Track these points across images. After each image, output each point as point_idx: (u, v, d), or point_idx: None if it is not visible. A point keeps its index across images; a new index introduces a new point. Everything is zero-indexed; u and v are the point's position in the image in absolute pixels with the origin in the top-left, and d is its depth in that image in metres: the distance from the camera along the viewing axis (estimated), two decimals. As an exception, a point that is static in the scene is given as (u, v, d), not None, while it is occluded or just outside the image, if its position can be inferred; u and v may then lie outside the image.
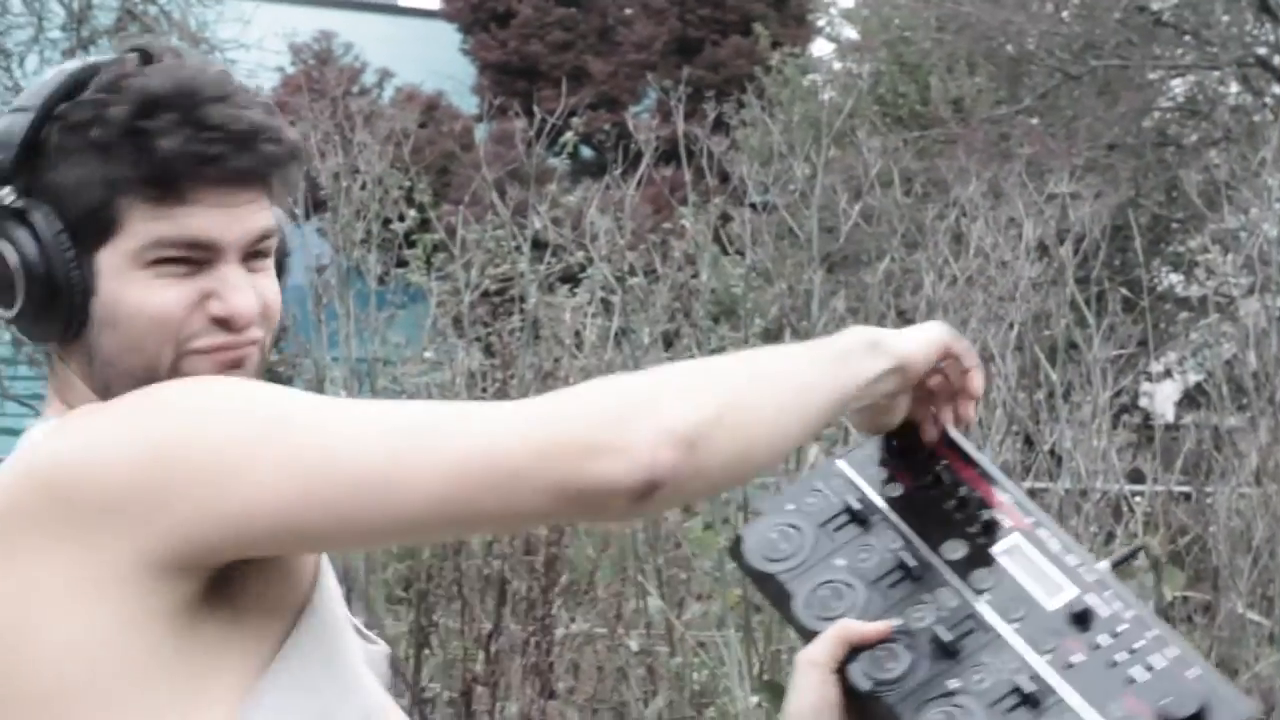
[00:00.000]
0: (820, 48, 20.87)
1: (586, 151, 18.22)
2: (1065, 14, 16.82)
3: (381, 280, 7.04)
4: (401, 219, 7.18)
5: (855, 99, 10.35)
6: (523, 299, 6.84)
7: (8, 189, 1.66)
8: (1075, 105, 15.83)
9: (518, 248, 7.05)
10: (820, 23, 20.96)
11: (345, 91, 8.78)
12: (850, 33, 19.22)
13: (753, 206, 7.26)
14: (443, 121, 19.96)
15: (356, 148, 6.82)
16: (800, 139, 7.86)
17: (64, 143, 1.66)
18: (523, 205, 7.14)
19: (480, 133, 19.99)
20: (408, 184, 7.30)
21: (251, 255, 1.70)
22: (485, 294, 7.20)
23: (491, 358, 6.72)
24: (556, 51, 22.05)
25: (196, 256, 1.66)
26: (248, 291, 1.68)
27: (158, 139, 1.62)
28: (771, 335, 7.05)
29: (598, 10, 22.66)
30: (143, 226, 1.64)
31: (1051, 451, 6.24)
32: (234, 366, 1.68)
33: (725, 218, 7.21)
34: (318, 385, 6.38)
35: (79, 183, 1.64)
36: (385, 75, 21.24)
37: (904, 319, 6.77)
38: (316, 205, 7.24)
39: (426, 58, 21.76)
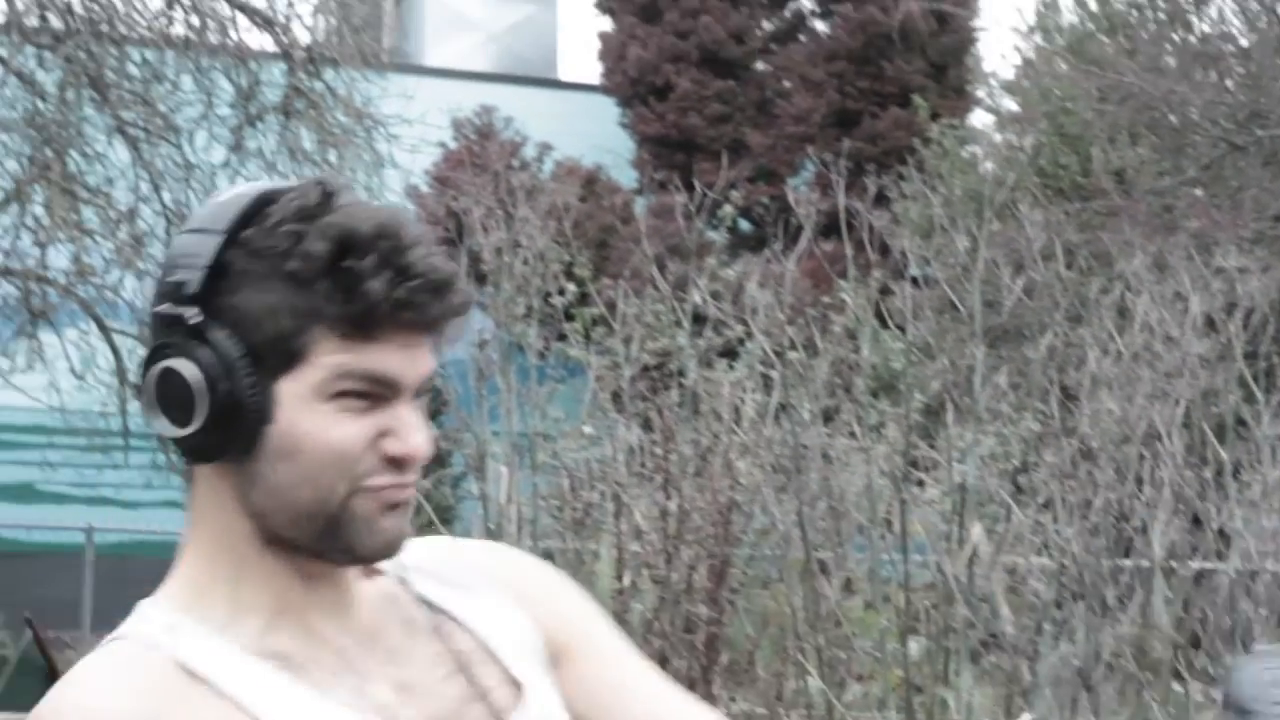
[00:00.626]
0: (980, 119, 20.77)
1: (745, 224, 18.23)
2: (1229, 83, 16.60)
3: (542, 355, 7.07)
4: (562, 293, 7.21)
5: (1016, 171, 10.27)
6: (681, 373, 6.84)
7: (190, 308, 1.66)
8: (1241, 176, 15.60)
9: (677, 322, 7.05)
10: (980, 94, 20.86)
11: (506, 166, 8.85)
12: (1010, 104, 19.11)
13: (913, 280, 7.22)
14: (602, 195, 20.11)
15: (518, 222, 6.87)
16: (961, 212, 7.80)
17: (250, 268, 1.65)
18: (682, 279, 7.14)
19: (639, 206, 20.10)
20: (568, 258, 7.33)
21: (416, 395, 1.70)
22: (644, 368, 7.20)
23: (650, 433, 6.72)
24: (715, 124, 22.12)
25: (377, 392, 1.66)
26: (422, 431, 1.68)
27: (362, 280, 1.63)
28: (932, 411, 6.98)
29: (756, 83, 22.72)
30: (330, 359, 1.64)
31: (1220, 531, 6.12)
32: (397, 508, 1.68)
33: (886, 292, 7.17)
34: (479, 460, 6.40)
35: (266, 310, 1.64)
36: (545, 149, 21.42)
37: (1068, 395, 6.68)
38: (479, 280, 7.29)
39: (586, 131, 21.92)
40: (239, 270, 1.66)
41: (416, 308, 1.65)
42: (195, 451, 1.68)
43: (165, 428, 1.68)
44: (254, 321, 1.65)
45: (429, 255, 1.66)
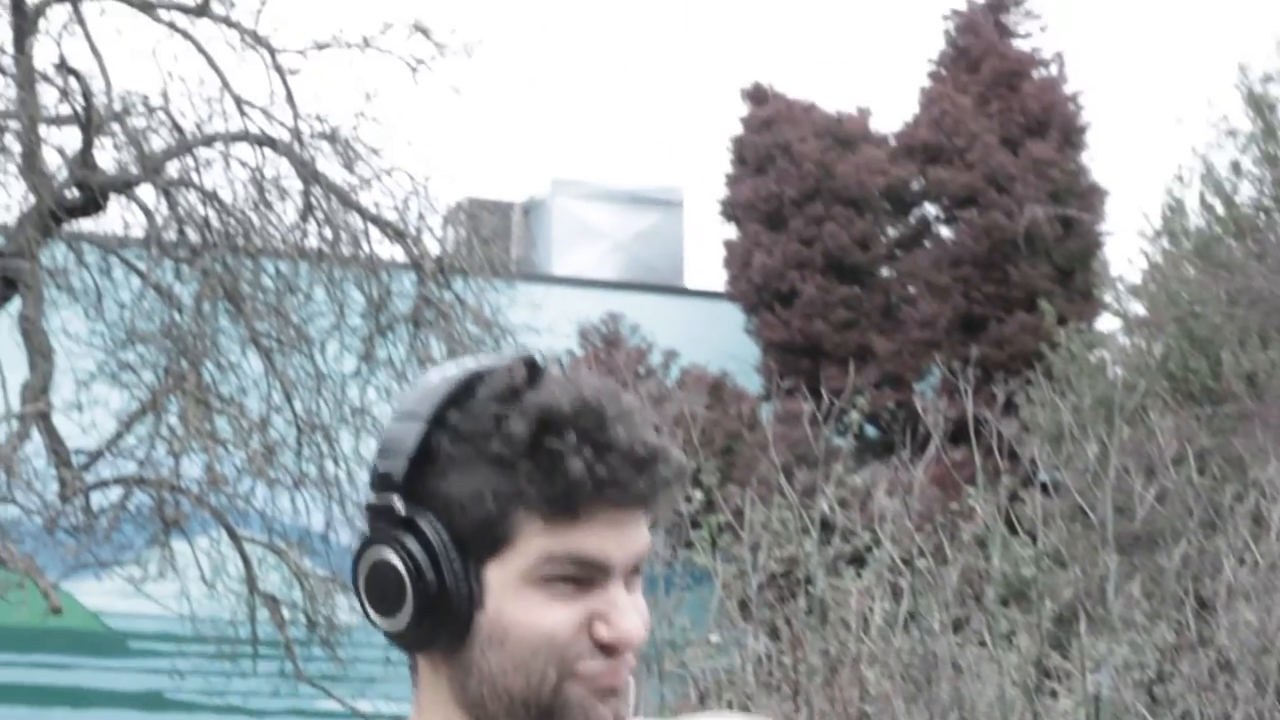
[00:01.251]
0: (1107, 323, 20.65)
1: (872, 430, 18.18)
2: (1361, 286, 16.45)
3: (669, 563, 7.05)
4: (688, 500, 7.21)
5: (1146, 376, 10.20)
6: (809, 581, 6.79)
7: (397, 497, 1.64)
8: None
9: (804, 529, 7.02)
10: (1107, 298, 20.77)
11: (633, 373, 8.90)
12: (1138, 308, 19.00)
13: (1043, 487, 7.16)
14: (728, 402, 20.13)
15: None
16: (1090, 418, 7.74)
17: (456, 452, 1.64)
18: (809, 486, 7.12)
19: (765, 412, 20.10)
20: (694, 466, 7.34)
21: (630, 573, 1.67)
22: (771, 576, 7.16)
23: (778, 642, 6.66)
24: (840, 330, 22.16)
25: (585, 575, 1.63)
26: (634, 614, 1.66)
27: (563, 459, 1.61)
28: (1065, 620, 6.87)
29: (881, 288, 22.77)
30: (536, 543, 1.62)
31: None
32: (611, 693, 1.65)
33: (1015, 498, 7.11)
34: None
35: (472, 495, 1.62)
36: (671, 356, 21.54)
37: (1204, 605, 6.56)
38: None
39: (712, 338, 22.04)
40: (445, 455, 1.64)
41: (620, 485, 1.62)
42: (408, 642, 1.67)
43: (376, 619, 1.67)
44: (460, 507, 1.63)
45: (633, 429, 1.63)
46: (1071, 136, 22.66)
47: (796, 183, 22.64)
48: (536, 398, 1.63)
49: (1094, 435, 7.04)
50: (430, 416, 1.64)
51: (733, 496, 7.65)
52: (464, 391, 1.65)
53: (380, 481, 1.66)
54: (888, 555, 6.79)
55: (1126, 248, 49.83)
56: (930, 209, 23.50)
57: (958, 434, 7.52)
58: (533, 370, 1.66)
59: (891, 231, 23.39)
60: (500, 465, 1.62)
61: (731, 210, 23.51)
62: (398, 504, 1.64)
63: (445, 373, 1.68)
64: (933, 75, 23.45)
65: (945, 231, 23.25)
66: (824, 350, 21.78)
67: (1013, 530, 7.51)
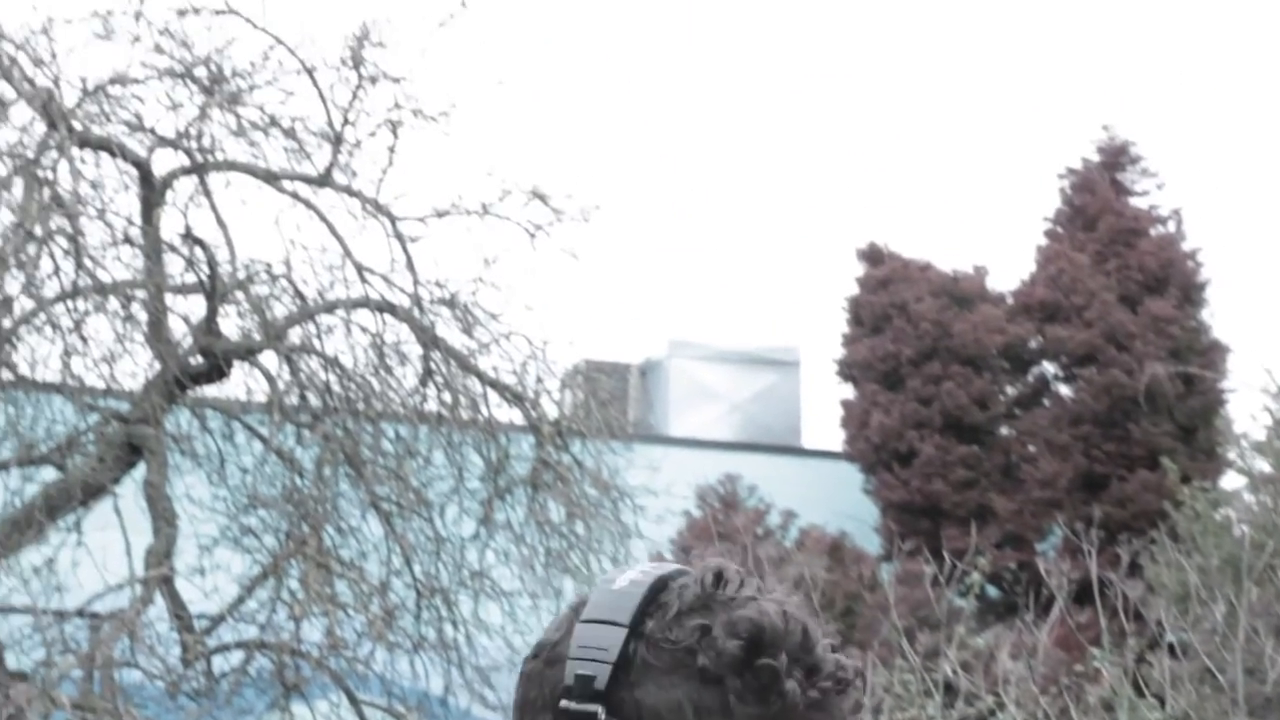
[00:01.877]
0: (1232, 481, 20.36)
1: (994, 591, 17.96)
2: None
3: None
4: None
5: (1273, 536, 10.03)
6: (933, 747, 6.69)
7: (602, 710, 1.64)
8: None
9: (926, 691, 6.94)
10: (1231, 456, 20.50)
11: (751, 535, 8.87)
12: (1263, 465, 18.73)
13: (1170, 649, 7.04)
14: (847, 563, 19.97)
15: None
16: (1218, 579, 7.62)
17: (654, 662, 1.63)
18: (931, 648, 7.05)
19: (885, 573, 19.93)
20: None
21: None
22: (894, 741, 7.06)
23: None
24: (960, 490, 21.99)
25: None
26: None
27: (778, 679, 1.62)
28: (1196, 786, 6.73)
29: (1000, 447, 22.61)
30: None
31: None
32: None
33: (1142, 661, 6.99)
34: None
35: (672, 706, 1.62)
36: (790, 517, 21.43)
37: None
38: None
39: (830, 498, 21.93)
40: (641, 663, 1.64)
41: (827, 708, 1.63)
42: None
43: None
44: (658, 717, 1.62)
45: (832, 651, 1.64)
46: (1191, 293, 22.51)
47: (914, 342, 22.60)
48: (742, 613, 1.63)
49: (1221, 596, 6.94)
50: (630, 623, 1.63)
51: (854, 660, 7.58)
52: (654, 597, 1.65)
53: (581, 687, 1.64)
54: (1012, 719, 6.69)
55: (1250, 404, 49.19)
56: (1049, 367, 23.36)
57: (1082, 595, 7.43)
58: (721, 580, 1.66)
59: (1010, 390, 23.25)
60: (705, 679, 1.62)
61: (848, 370, 23.49)
62: (599, 712, 1.63)
63: (632, 577, 1.67)
64: (1049, 233, 23.42)
65: (1064, 389, 23.09)
66: (944, 510, 21.61)
67: (1140, 693, 7.37)
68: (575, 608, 1.69)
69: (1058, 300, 22.46)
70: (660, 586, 1.65)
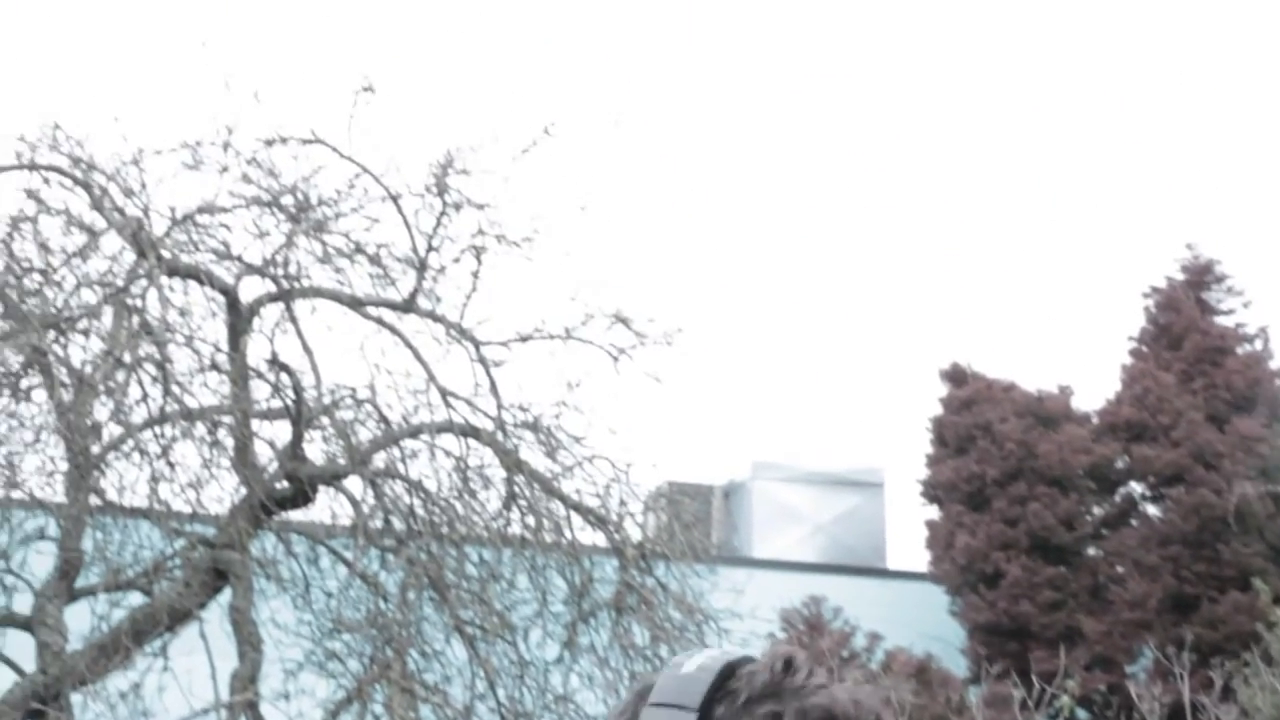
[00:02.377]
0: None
1: (1084, 715, 17.71)
2: None
3: None
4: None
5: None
6: None
7: None
8: None
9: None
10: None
11: (837, 658, 8.80)
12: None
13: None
14: (934, 685, 19.76)
15: None
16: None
17: None
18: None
19: (973, 696, 19.70)
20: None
21: None
22: None
23: None
24: (1048, 612, 21.76)
25: None
26: None
27: None
28: None
29: (1088, 568, 22.39)
30: None
31: None
32: None
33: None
34: None
35: None
36: (875, 639, 21.25)
37: None
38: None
39: (915, 620, 21.74)
40: None
41: None
42: None
43: None
44: None
45: None
46: (1279, 411, 22.31)
47: (998, 462, 22.47)
48: (814, 700, 1.62)
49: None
50: (699, 708, 1.63)
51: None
52: (722, 683, 1.65)
53: None
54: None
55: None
56: (1136, 487, 23.15)
57: (1174, 719, 7.32)
58: (790, 667, 1.65)
59: (1097, 510, 23.06)
60: None
61: (933, 491, 23.36)
62: None
63: (700, 662, 1.67)
64: (1134, 352, 23.31)
65: (1152, 510, 22.87)
66: (1031, 632, 21.38)
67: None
68: (641, 692, 1.69)
69: (1144, 419, 22.30)
70: (729, 672, 1.65)
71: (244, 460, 11.42)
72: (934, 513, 23.34)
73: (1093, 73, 36.23)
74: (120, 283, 11.19)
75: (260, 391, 11.77)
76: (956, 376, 23.70)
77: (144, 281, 11.13)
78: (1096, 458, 22.49)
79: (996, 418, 22.68)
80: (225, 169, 11.61)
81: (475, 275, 11.91)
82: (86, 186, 11.37)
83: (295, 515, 11.96)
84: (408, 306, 11.90)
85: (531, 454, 12.03)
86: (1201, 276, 23.24)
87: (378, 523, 11.80)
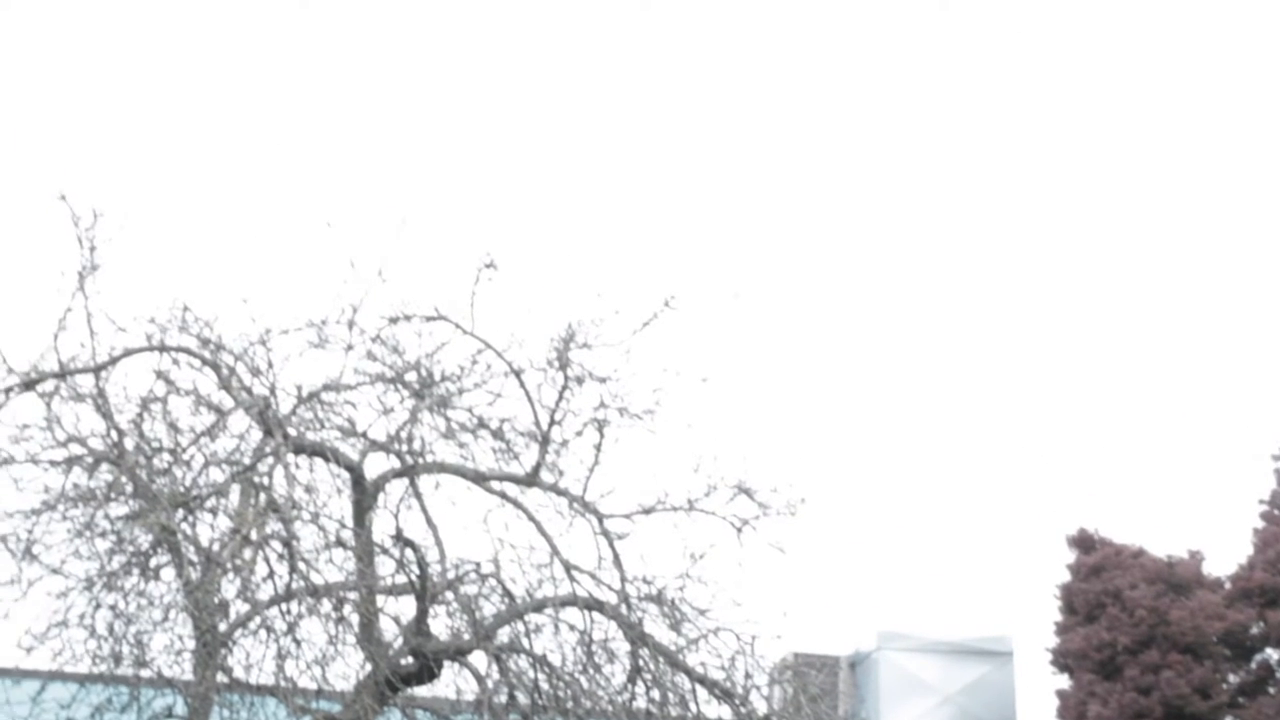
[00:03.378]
0: None
1: None
2: None
3: None
4: None
5: None
6: None
7: None
8: None
9: None
10: None
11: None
12: None
13: None
14: None
15: None
16: None
17: None
18: None
19: None
20: None
21: None
22: None
23: None
24: (1185, 783, 21.29)
25: None
26: None
27: None
28: None
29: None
30: None
31: None
32: None
33: None
34: None
35: None
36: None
37: None
38: None
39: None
40: None
41: None
42: None
43: None
44: None
45: None
46: None
47: (1130, 630, 22.11)
48: None
49: None
50: None
51: None
52: None
53: None
54: None
55: None
56: (1273, 654, 22.68)
57: None
58: None
59: (1233, 678, 22.59)
60: None
61: (1063, 659, 23.01)
62: None
63: None
64: (1265, 515, 22.95)
65: (1290, 676, 22.37)
66: None
67: None
68: None
69: (1278, 584, 21.90)
70: None
71: (369, 636, 11.44)
72: (1064, 682, 22.97)
73: (1217, 233, 36.08)
74: (247, 461, 11.31)
75: (385, 567, 11.82)
76: (1084, 542, 23.43)
77: (271, 459, 11.24)
78: (1230, 624, 22.08)
79: (1126, 584, 22.35)
80: (350, 346, 11.76)
81: (598, 448, 11.95)
82: (215, 366, 11.55)
83: (420, 691, 11.94)
84: (531, 480, 11.94)
85: (656, 627, 11.98)
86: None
87: (502, 698, 11.75)
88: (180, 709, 11.50)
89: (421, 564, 11.58)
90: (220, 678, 11.40)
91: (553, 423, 11.96)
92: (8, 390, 11.15)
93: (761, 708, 12.17)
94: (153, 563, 11.57)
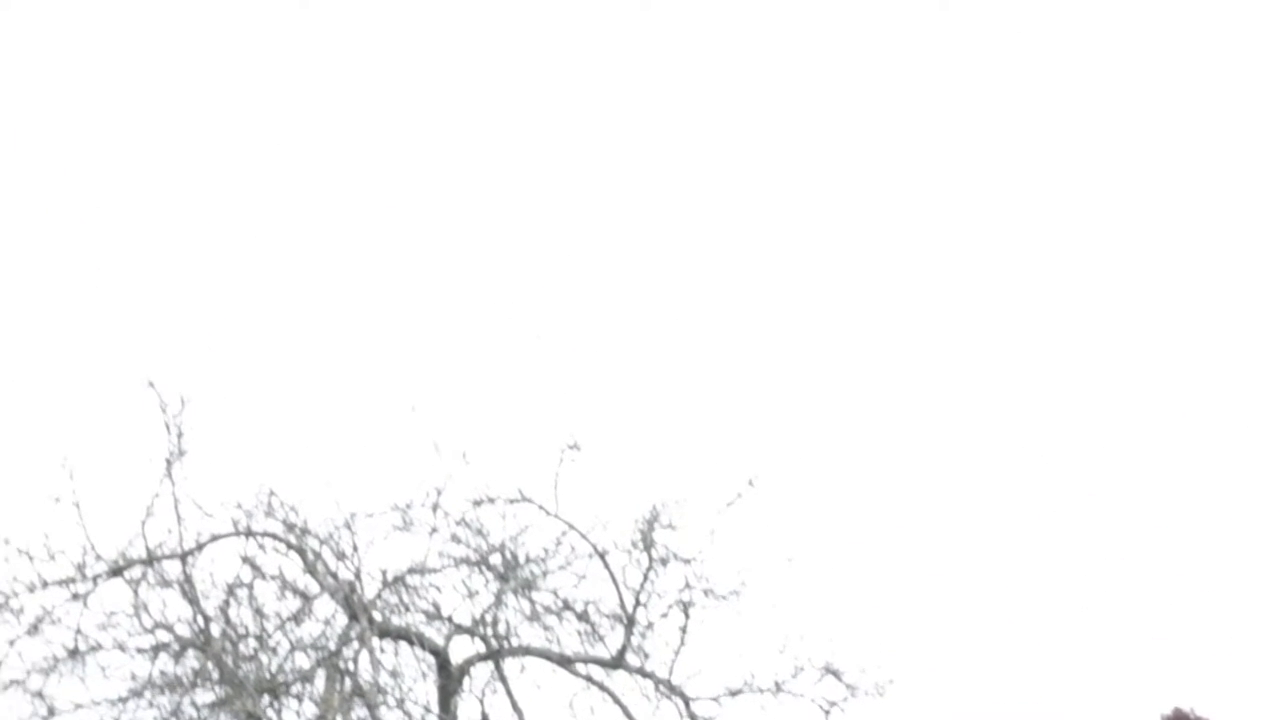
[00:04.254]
0: None
1: None
2: None
3: None
4: None
5: None
6: None
7: None
8: None
9: None
10: None
11: None
12: None
13: None
14: None
15: None
16: None
17: None
18: None
19: None
20: None
21: None
22: None
23: None
24: None
25: None
26: None
27: None
28: None
29: None
30: None
31: None
32: None
33: None
34: None
35: None
36: None
37: None
38: None
39: None
40: None
41: None
42: None
43: None
44: None
45: None
46: None
47: (1229, 812, 21.60)
48: None
49: None
50: None
51: None
52: None
53: None
54: None
55: None
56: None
57: None
58: None
59: None
60: None
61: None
62: None
63: None
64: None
65: None
66: None
67: None
68: None
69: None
70: None
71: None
72: None
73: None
74: (333, 646, 11.30)
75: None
76: (1180, 722, 22.98)
77: (356, 644, 11.23)
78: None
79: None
80: (435, 530, 11.77)
81: (683, 630, 11.89)
82: (300, 551, 11.58)
83: None
84: (616, 663, 11.87)
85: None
86: None
87: None
88: None
89: (507, 748, 11.49)
90: None
91: (638, 604, 11.92)
92: (96, 577, 11.21)
93: None
94: (239, 749, 11.53)
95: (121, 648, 11.29)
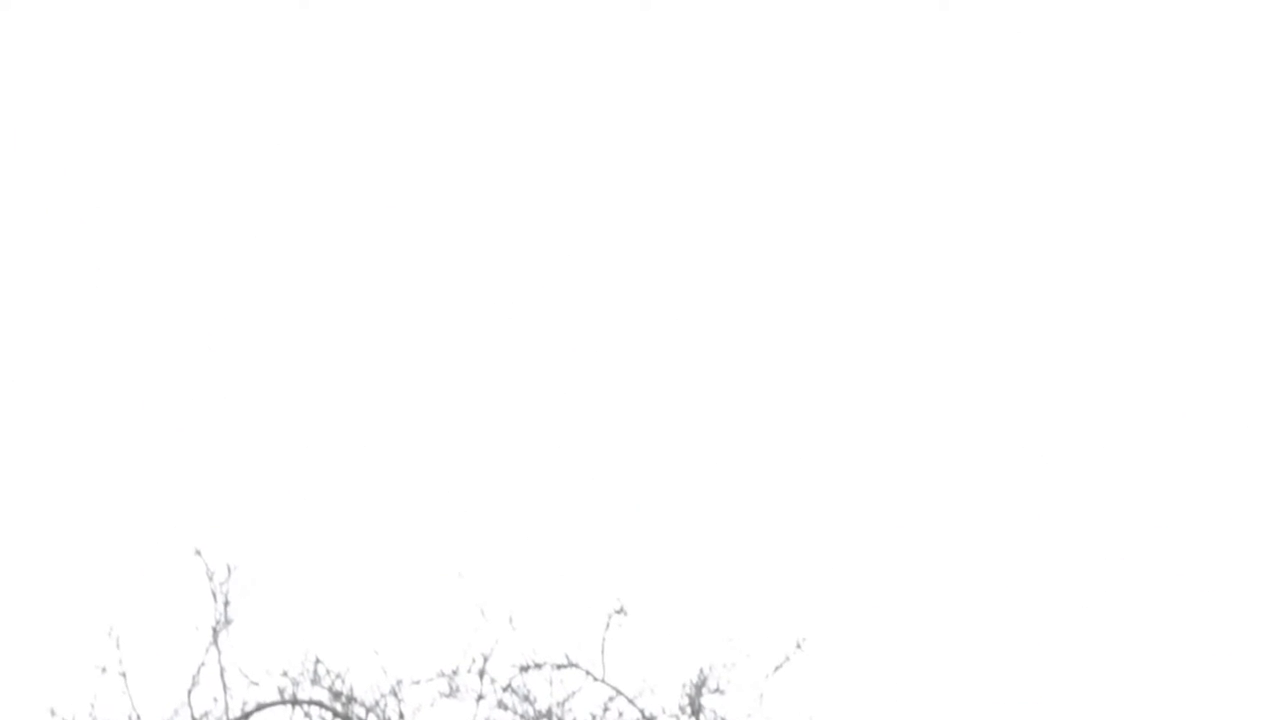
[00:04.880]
0: None
1: None
2: None
3: None
4: None
5: None
6: None
7: None
8: None
9: None
10: None
11: None
12: None
13: None
14: None
15: None
16: None
17: None
18: None
19: None
20: None
21: None
22: None
23: None
24: None
25: None
26: None
27: None
28: None
29: None
30: None
31: None
32: None
33: None
34: None
35: None
36: None
37: None
38: None
39: None
40: None
41: None
42: None
43: None
44: None
45: None
46: None
47: None
48: None
49: None
50: None
51: None
52: None
53: None
54: None
55: None
56: None
57: None
58: None
59: None
60: None
61: None
62: None
63: None
64: None
65: None
66: None
67: None
68: None
69: None
70: None
71: None
72: None
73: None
74: (378, 816, 11.20)
75: None
76: None
77: (403, 812, 11.13)
78: None
79: None
80: (481, 696, 11.70)
81: (734, 793, 11.75)
82: (347, 719, 11.51)
83: None
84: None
85: None
86: None
87: None
88: None
89: None
90: None
91: (685, 771, 11.79)
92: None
93: None
94: None
95: (167, 818, 11.23)
